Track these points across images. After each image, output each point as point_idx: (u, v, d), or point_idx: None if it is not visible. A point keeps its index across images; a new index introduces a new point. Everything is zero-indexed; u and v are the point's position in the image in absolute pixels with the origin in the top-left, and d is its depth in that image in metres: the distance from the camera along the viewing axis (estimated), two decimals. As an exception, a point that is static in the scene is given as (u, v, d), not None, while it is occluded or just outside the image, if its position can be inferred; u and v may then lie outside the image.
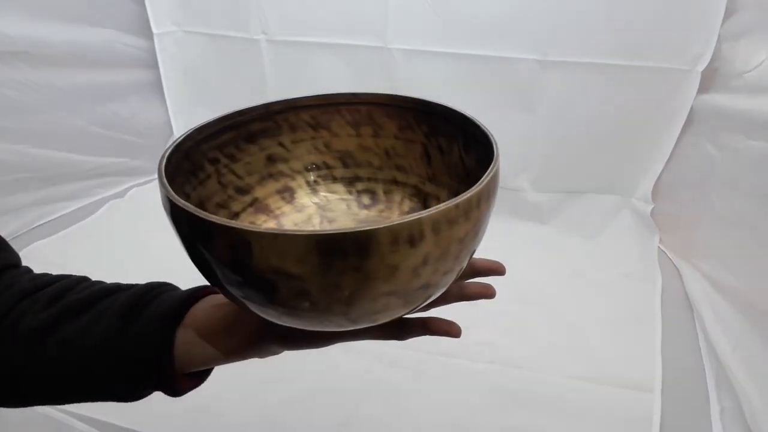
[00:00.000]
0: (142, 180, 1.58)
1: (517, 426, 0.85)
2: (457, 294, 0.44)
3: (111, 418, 0.83)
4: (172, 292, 0.43)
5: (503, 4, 1.18)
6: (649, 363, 0.96)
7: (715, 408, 0.87)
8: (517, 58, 1.22)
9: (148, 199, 1.50)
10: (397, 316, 0.35)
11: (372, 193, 0.51)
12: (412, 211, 0.49)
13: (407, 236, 0.28)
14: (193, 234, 0.30)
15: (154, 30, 1.47)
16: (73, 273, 0.46)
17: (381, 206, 0.50)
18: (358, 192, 0.51)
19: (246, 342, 0.41)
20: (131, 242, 1.27)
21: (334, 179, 0.52)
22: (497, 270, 0.46)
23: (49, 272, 0.48)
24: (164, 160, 0.36)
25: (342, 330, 0.37)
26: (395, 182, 0.50)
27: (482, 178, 0.32)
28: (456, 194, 0.45)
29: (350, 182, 0.52)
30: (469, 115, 0.42)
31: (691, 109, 1.17)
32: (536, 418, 0.86)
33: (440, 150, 0.47)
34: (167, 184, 0.33)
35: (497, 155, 0.36)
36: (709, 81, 1.13)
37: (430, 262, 0.30)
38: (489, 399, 0.90)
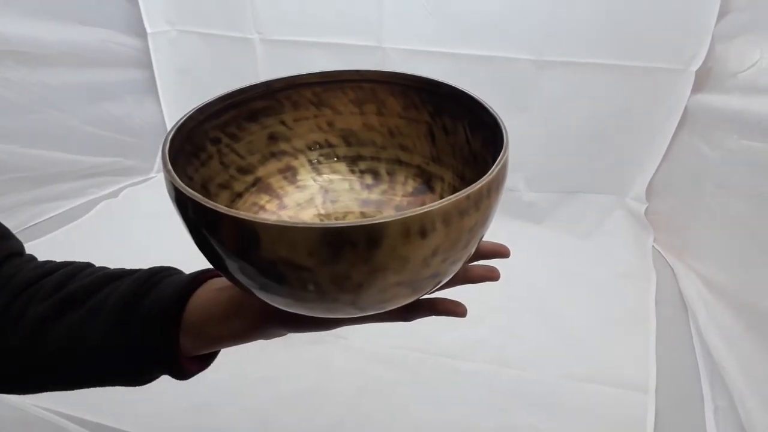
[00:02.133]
0: (136, 180, 1.57)
1: (512, 425, 0.85)
2: (462, 277, 0.43)
3: (105, 420, 0.82)
4: (175, 277, 0.43)
5: (498, 3, 1.17)
6: (643, 362, 0.95)
7: (709, 407, 0.86)
8: (512, 58, 1.22)
9: (142, 199, 1.49)
10: (404, 303, 0.35)
11: (375, 172, 0.51)
12: (415, 191, 0.49)
13: (418, 228, 0.28)
14: (199, 222, 0.30)
15: (148, 29, 1.46)
16: None
17: (384, 186, 0.50)
18: (361, 172, 0.51)
19: (251, 325, 0.41)
20: (125, 243, 1.26)
21: (337, 158, 0.51)
22: (502, 252, 0.46)
23: (36, 258, 0.47)
24: (167, 144, 0.35)
25: (349, 317, 0.37)
26: (399, 162, 0.50)
27: (493, 167, 0.31)
28: (461, 176, 0.45)
29: (353, 161, 0.51)
30: (476, 96, 0.41)
31: (686, 108, 1.17)
32: (530, 418, 0.85)
33: (445, 130, 0.46)
34: (172, 170, 0.32)
35: (507, 142, 0.35)
36: (703, 81, 1.13)
37: (440, 252, 0.30)
38: (484, 398, 0.89)
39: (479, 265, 0.45)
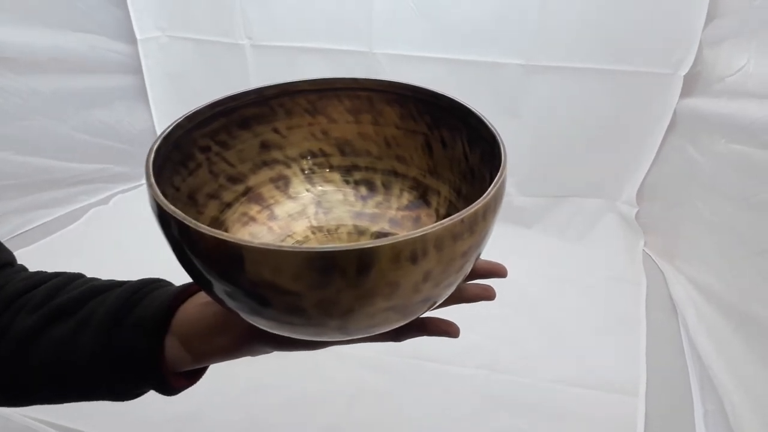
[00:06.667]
0: (126, 187, 1.55)
1: (503, 430, 0.84)
2: (456, 297, 0.42)
3: (91, 429, 0.81)
4: (164, 290, 0.42)
5: (487, 9, 1.17)
6: (633, 366, 0.95)
7: (698, 411, 0.86)
8: (502, 63, 1.21)
9: (132, 206, 1.47)
10: (395, 327, 0.33)
11: (370, 184, 0.49)
12: (411, 204, 0.47)
13: (409, 253, 0.26)
14: (182, 241, 0.28)
15: (138, 35, 1.44)
16: None
17: (379, 198, 0.48)
18: (356, 182, 0.49)
19: (236, 342, 0.40)
20: (116, 250, 1.25)
21: (331, 168, 0.49)
22: (498, 272, 0.44)
23: (27, 268, 0.46)
24: (152, 154, 0.34)
25: (336, 340, 0.36)
26: (394, 173, 0.48)
27: (489, 190, 0.30)
28: (457, 190, 0.44)
29: (347, 171, 0.49)
30: (475, 110, 0.40)
31: (674, 113, 1.17)
32: (522, 423, 0.85)
33: (443, 143, 0.45)
34: (155, 184, 0.31)
35: (505, 162, 0.34)
36: (691, 85, 1.13)
37: (432, 277, 0.29)
38: (476, 404, 0.89)
39: (474, 284, 0.44)
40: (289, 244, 0.44)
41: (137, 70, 1.51)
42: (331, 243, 0.46)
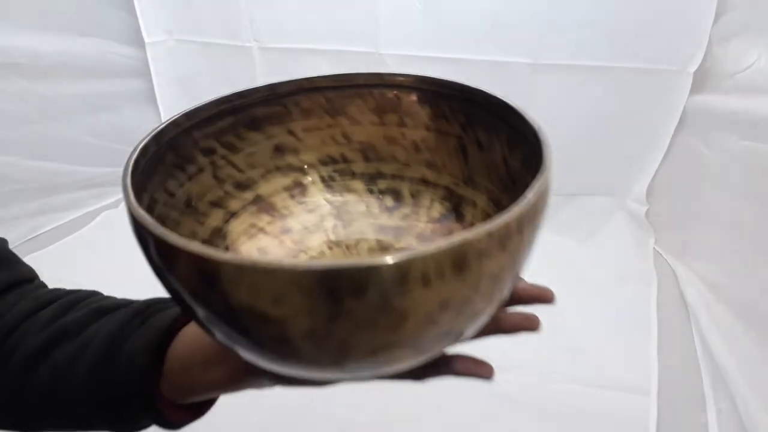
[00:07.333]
0: (136, 189, 1.55)
1: (513, 431, 0.84)
2: (491, 327, 0.35)
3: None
4: (165, 314, 0.38)
5: (494, 7, 1.15)
6: (644, 365, 0.93)
7: (711, 409, 0.84)
8: (508, 62, 1.19)
9: None
10: (409, 366, 0.26)
11: (396, 193, 0.42)
12: (442, 217, 0.41)
13: (420, 274, 0.20)
14: (156, 255, 0.23)
15: (146, 39, 1.41)
16: (69, 285, 0.43)
17: (406, 210, 0.42)
18: (381, 192, 0.43)
19: (233, 374, 0.34)
20: (126, 253, 1.25)
21: (353, 175, 0.43)
22: (544, 297, 0.37)
23: (46, 285, 0.44)
24: (135, 153, 0.29)
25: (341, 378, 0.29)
26: (424, 182, 0.42)
27: (523, 195, 0.23)
28: (496, 202, 0.36)
29: (371, 180, 0.43)
30: (515, 107, 0.34)
31: (684, 109, 1.14)
32: (531, 423, 0.83)
33: (479, 145, 0.38)
34: (130, 186, 0.25)
35: (548, 165, 0.27)
36: (701, 82, 1.10)
37: (452, 306, 0.22)
38: (485, 404, 0.86)
39: (514, 312, 0.36)
40: (303, 261, 0.37)
41: (145, 74, 1.48)
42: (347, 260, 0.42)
